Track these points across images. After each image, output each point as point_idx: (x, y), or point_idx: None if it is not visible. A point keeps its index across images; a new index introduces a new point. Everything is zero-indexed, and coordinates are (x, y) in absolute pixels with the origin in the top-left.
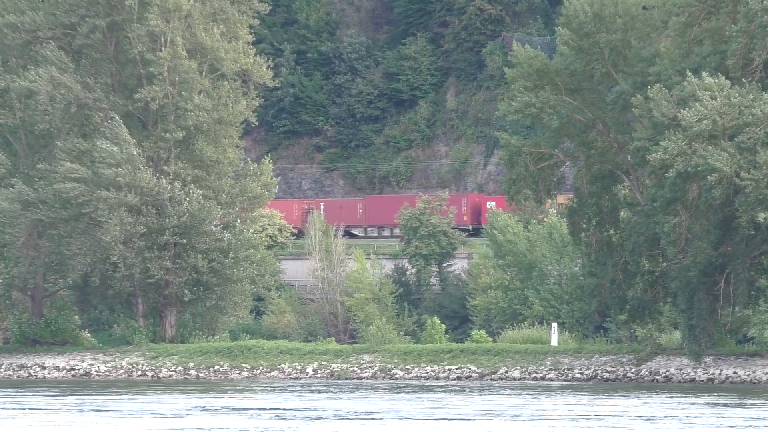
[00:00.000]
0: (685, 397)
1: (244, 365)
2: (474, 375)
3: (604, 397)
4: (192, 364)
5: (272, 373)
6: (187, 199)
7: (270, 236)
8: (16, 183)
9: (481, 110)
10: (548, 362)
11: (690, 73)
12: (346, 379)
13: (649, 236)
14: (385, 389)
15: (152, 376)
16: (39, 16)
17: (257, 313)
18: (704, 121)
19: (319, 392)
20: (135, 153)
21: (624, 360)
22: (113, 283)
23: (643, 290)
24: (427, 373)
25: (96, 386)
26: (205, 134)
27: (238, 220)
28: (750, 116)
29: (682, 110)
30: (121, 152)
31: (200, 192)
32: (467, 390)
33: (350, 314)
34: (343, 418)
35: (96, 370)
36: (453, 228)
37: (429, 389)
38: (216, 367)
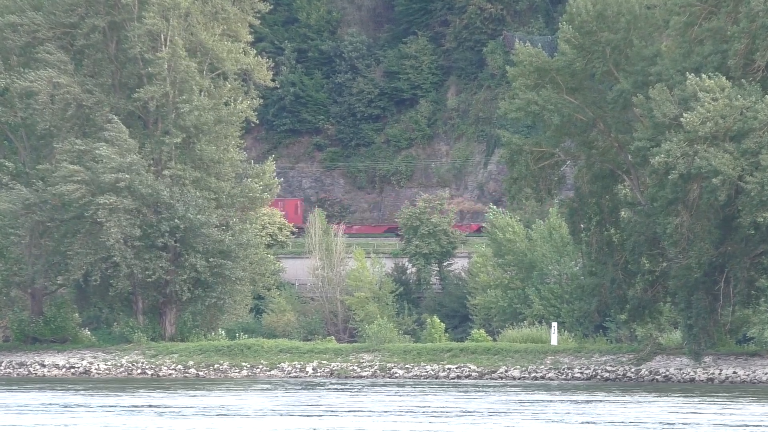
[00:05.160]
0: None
1: (243, 364)
2: (474, 374)
3: (485, 393)
4: (191, 362)
5: (272, 372)
6: (185, 204)
7: (270, 235)
8: (14, 186)
9: (481, 109)
10: (548, 361)
11: (690, 74)
12: (346, 377)
13: (649, 236)
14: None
15: (152, 374)
16: (39, 15)
17: (257, 312)
18: (708, 124)
19: (203, 389)
20: (136, 157)
21: (624, 359)
22: (114, 282)
23: (643, 290)
24: (427, 372)
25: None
26: (205, 134)
27: (238, 220)
28: (754, 121)
29: (684, 113)
30: (121, 157)
31: (199, 194)
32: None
33: (350, 313)
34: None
35: (96, 368)
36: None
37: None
38: (216, 366)
